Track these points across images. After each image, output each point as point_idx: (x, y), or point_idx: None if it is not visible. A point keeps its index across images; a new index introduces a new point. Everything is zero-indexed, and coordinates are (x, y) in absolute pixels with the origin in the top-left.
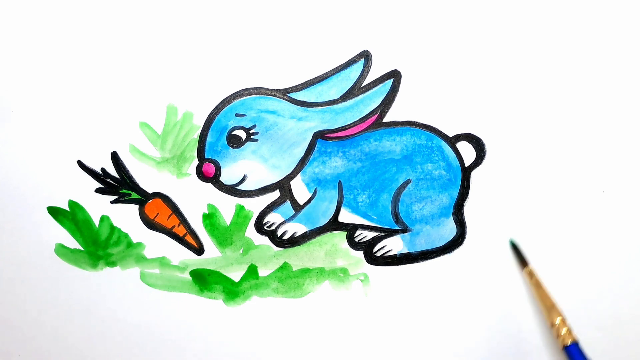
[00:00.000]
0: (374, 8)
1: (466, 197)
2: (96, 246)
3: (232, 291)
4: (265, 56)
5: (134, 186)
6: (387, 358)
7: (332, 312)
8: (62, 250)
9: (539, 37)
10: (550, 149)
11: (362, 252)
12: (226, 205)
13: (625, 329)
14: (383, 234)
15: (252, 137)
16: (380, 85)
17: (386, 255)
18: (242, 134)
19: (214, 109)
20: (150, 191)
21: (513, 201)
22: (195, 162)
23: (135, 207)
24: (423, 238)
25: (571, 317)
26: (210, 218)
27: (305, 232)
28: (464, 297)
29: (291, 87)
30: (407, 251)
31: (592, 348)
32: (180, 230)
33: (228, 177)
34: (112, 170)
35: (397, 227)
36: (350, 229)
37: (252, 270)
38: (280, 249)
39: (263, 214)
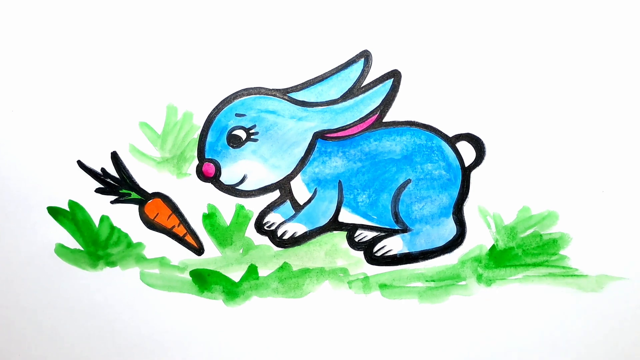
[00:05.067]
0: (374, 8)
1: (466, 197)
2: (96, 246)
3: (232, 291)
4: (265, 56)
5: (134, 186)
6: (387, 358)
7: (332, 312)
8: (62, 250)
9: (538, 37)
10: (550, 148)
11: (362, 252)
12: (226, 205)
13: (627, 328)
14: (383, 233)
15: (252, 137)
16: (380, 85)
17: (386, 255)
18: (242, 134)
19: (214, 109)
20: (150, 191)
21: (513, 201)
22: (195, 162)
23: (135, 207)
24: (423, 238)
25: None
26: (210, 218)
27: (305, 232)
28: (465, 297)
29: (291, 87)
30: (407, 251)
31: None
32: (180, 230)
33: (228, 177)
34: (112, 170)
35: (397, 227)
36: (350, 229)
37: (252, 270)
38: (280, 249)
39: (263, 214)
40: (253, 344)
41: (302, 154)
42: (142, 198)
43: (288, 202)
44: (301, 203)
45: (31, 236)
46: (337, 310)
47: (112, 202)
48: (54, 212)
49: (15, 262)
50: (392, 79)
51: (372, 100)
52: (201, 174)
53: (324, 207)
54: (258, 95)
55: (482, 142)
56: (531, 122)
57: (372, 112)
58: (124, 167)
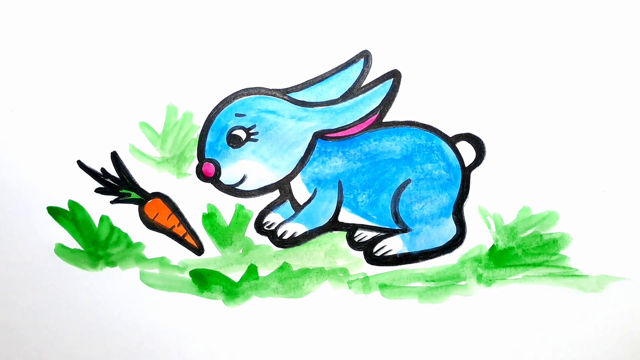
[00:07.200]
0: (374, 8)
1: (466, 197)
2: (96, 246)
3: (232, 291)
4: (265, 56)
5: (133, 186)
6: (387, 358)
7: (332, 312)
8: (62, 250)
9: (538, 37)
10: (550, 148)
11: (362, 252)
12: (226, 205)
13: (627, 328)
14: (383, 233)
15: (252, 137)
16: (380, 85)
17: (386, 255)
18: (242, 134)
19: (214, 109)
20: (150, 191)
21: (513, 201)
22: (195, 162)
23: (135, 207)
24: (423, 238)
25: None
26: (210, 218)
27: (305, 232)
28: (465, 297)
29: (291, 87)
30: (407, 251)
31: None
32: (180, 230)
33: (228, 177)
34: (112, 170)
35: (397, 227)
36: (350, 229)
37: (252, 270)
38: (280, 249)
39: (263, 214)
40: (253, 344)
41: (302, 154)
42: (142, 198)
43: (288, 202)
44: (301, 203)
45: (31, 236)
46: (337, 310)
47: (112, 202)
48: (54, 212)
49: (15, 262)
50: (392, 79)
51: (372, 100)
52: (201, 174)
53: (323, 207)
54: (258, 95)
55: (482, 142)
56: (531, 122)
57: (372, 112)
58: (124, 167)
